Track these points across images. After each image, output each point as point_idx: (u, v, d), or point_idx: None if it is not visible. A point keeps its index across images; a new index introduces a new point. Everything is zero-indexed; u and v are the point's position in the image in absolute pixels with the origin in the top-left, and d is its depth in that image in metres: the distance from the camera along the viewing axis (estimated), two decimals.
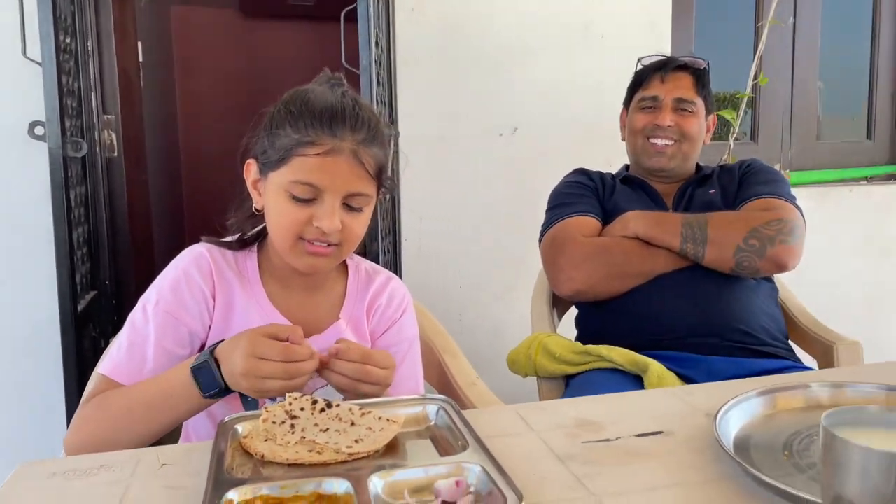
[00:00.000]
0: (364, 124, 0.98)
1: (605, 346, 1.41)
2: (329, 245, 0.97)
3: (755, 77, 2.37)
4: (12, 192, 1.73)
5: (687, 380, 1.36)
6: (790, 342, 1.53)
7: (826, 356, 1.48)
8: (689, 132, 1.59)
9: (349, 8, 1.79)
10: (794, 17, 2.63)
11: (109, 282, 2.00)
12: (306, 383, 0.89)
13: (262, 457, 0.75)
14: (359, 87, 1.86)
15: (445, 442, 0.79)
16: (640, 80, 1.66)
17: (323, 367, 0.90)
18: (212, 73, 3.68)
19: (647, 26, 2.38)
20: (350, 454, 0.75)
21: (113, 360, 0.99)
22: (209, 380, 0.89)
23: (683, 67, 1.62)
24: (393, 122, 2.15)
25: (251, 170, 1.04)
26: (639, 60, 1.69)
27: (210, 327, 1.02)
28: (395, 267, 2.19)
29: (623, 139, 1.73)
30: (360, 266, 1.15)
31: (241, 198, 1.09)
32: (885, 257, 2.74)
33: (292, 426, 0.80)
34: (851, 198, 2.70)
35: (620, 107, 1.76)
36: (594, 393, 1.31)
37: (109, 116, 2.07)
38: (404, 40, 2.14)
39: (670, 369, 1.35)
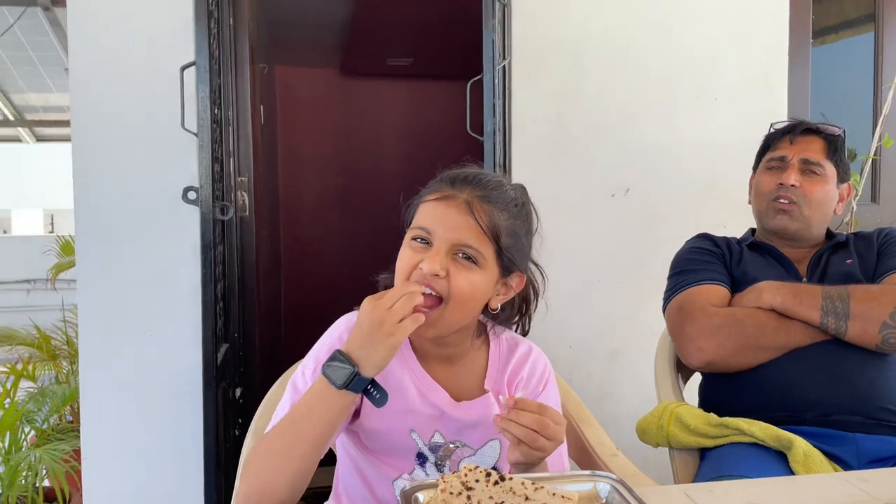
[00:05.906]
0: (486, 184, 1.03)
1: (744, 420, 1.37)
2: (433, 295, 0.98)
3: (879, 139, 2.31)
4: (164, 252, 1.87)
5: (834, 458, 1.31)
6: None
7: None
8: (812, 195, 1.54)
9: (475, 79, 1.87)
10: None
11: (237, 335, 2.11)
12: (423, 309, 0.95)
13: None
14: (482, 153, 1.93)
15: None
16: (769, 143, 1.66)
17: (500, 420, 0.92)
18: (310, 130, 3.84)
19: (762, 88, 2.37)
20: None
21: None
22: (338, 371, 0.93)
23: (814, 131, 1.59)
24: None
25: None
26: (771, 125, 1.68)
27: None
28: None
29: (749, 202, 1.71)
30: (500, 336, 1.16)
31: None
32: None
33: (468, 497, 0.82)
34: None
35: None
36: (735, 469, 1.28)
37: (242, 178, 2.21)
38: (519, 106, 2.21)
39: (815, 447, 1.31)
